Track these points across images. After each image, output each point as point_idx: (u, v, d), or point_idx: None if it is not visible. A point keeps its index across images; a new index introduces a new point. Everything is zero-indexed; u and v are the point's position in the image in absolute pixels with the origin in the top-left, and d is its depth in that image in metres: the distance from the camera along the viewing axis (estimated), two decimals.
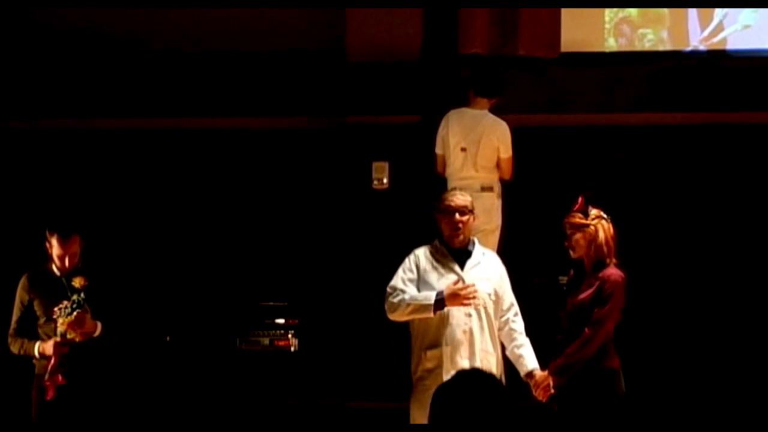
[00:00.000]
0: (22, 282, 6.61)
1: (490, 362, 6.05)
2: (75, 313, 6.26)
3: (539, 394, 6.08)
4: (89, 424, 6.37)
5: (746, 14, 8.72)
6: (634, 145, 8.69)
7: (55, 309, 6.32)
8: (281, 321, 8.23)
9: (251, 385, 8.00)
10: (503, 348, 6.24)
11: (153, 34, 8.81)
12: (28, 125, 8.85)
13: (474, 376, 3.29)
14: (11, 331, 6.58)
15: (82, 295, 6.30)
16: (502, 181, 7.77)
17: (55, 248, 6.49)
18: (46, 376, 6.31)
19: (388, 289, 6.17)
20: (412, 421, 6.09)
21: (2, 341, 6.63)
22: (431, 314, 6.03)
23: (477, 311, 6.09)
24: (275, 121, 8.80)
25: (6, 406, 7.44)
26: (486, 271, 6.20)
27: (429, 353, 6.09)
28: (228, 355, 8.14)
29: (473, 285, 6.03)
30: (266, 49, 8.73)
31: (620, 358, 6.14)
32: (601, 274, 6.09)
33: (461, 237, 6.19)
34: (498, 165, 7.73)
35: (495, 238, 7.56)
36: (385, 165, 8.56)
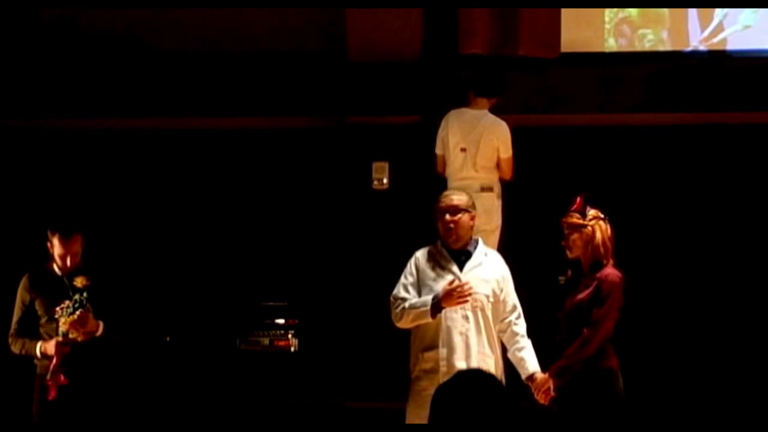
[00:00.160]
0: (23, 282, 6.61)
1: (488, 364, 6.04)
2: (78, 312, 6.25)
3: (540, 398, 6.07)
4: (91, 424, 6.37)
5: (746, 14, 8.72)
6: (634, 145, 8.69)
7: (57, 308, 6.31)
8: (281, 321, 8.24)
9: (251, 385, 8.00)
10: (505, 350, 6.24)
11: (153, 34, 8.81)
12: (29, 124, 8.85)
13: (473, 376, 3.29)
14: (12, 331, 6.58)
15: (84, 294, 6.29)
16: (502, 181, 7.77)
17: (56, 247, 6.49)
18: (48, 376, 6.31)
19: (391, 299, 6.19)
20: (407, 421, 6.10)
21: (3, 341, 6.63)
22: (431, 319, 6.03)
23: (474, 314, 6.08)
24: (275, 121, 8.80)
25: (7, 407, 7.44)
26: (485, 273, 6.18)
27: (426, 354, 6.09)
28: (228, 355, 8.14)
29: (467, 283, 6.02)
30: (266, 49, 8.73)
31: (618, 358, 6.14)
32: (598, 275, 6.08)
33: (454, 237, 6.16)
34: (498, 165, 7.73)
35: (495, 238, 7.56)
36: (385, 165, 8.57)
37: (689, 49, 8.78)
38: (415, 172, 8.29)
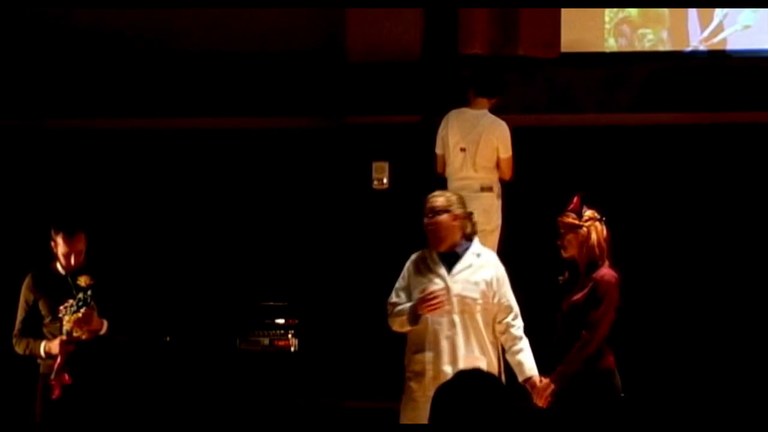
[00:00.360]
0: (27, 282, 6.59)
1: (480, 367, 5.98)
2: (82, 311, 6.22)
3: (540, 402, 6.04)
4: (95, 424, 6.35)
5: (746, 14, 8.72)
6: (634, 145, 8.69)
7: (61, 307, 6.28)
8: (281, 321, 8.23)
9: (251, 385, 8.00)
10: (504, 351, 6.20)
11: (154, 34, 8.82)
12: (33, 124, 8.86)
13: (473, 376, 3.30)
14: (16, 331, 6.56)
15: (88, 292, 6.27)
16: (501, 181, 7.77)
17: (60, 246, 6.48)
18: (52, 375, 6.28)
19: (387, 304, 6.17)
20: (400, 421, 6.09)
21: (7, 341, 6.63)
22: (410, 327, 6.00)
23: (462, 317, 5.99)
24: (275, 121, 8.81)
25: (10, 406, 7.44)
26: (476, 275, 6.05)
27: (415, 357, 6.05)
28: (228, 355, 8.14)
29: (441, 288, 5.94)
30: (266, 49, 8.74)
31: (616, 358, 6.14)
32: (594, 275, 6.08)
33: (435, 239, 6.04)
34: (498, 165, 7.73)
35: (495, 238, 7.56)
36: (385, 165, 8.57)
37: (689, 49, 8.78)
38: (415, 172, 8.29)
